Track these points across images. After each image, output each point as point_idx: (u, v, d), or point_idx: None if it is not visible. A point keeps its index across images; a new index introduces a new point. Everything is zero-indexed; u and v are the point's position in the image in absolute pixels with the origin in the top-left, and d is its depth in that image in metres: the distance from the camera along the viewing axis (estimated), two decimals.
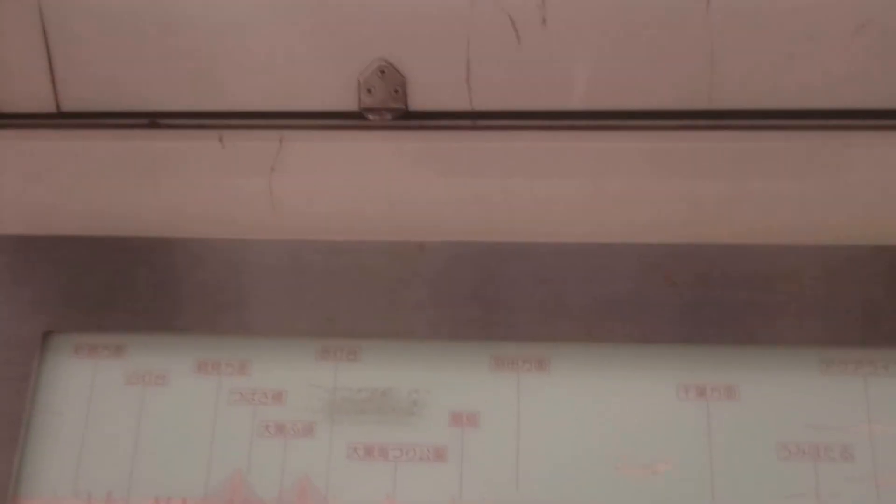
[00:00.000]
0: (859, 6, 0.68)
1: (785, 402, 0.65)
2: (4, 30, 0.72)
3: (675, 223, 0.71)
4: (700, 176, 0.71)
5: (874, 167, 0.70)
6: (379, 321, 0.67)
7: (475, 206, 0.72)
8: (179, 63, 0.72)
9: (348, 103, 0.72)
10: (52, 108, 0.74)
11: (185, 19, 0.71)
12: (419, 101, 0.72)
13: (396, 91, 0.72)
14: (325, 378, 0.66)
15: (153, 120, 0.73)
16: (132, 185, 0.73)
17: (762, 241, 0.68)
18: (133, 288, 0.68)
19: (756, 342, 0.65)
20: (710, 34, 0.69)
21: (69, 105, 0.74)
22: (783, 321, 0.66)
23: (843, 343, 0.65)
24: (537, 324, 0.66)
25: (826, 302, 0.66)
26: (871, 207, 0.70)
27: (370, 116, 0.72)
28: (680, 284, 0.67)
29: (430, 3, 0.70)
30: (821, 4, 0.68)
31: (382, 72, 0.72)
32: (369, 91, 0.72)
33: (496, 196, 0.72)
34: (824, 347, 0.65)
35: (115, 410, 0.66)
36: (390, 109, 0.72)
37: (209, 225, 0.72)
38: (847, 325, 0.65)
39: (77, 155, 0.73)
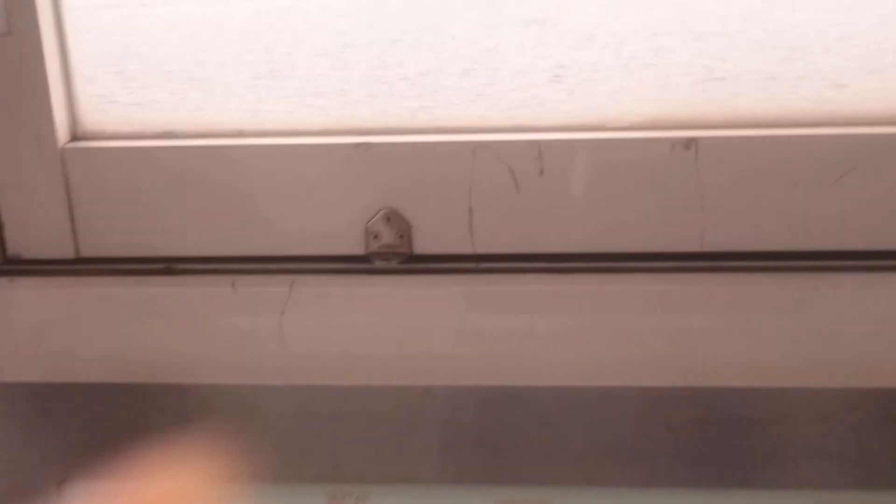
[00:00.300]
0: (841, 155, 0.72)
1: None
2: (27, 178, 0.76)
3: (671, 365, 0.73)
4: (695, 318, 0.74)
5: (862, 309, 0.73)
6: (386, 466, 0.69)
7: (479, 348, 0.75)
8: (194, 210, 0.76)
9: (355, 248, 0.76)
10: (71, 254, 0.77)
11: (200, 170, 0.75)
12: (424, 245, 0.76)
13: (402, 236, 0.75)
14: None
15: (169, 265, 0.76)
16: (147, 331, 0.76)
17: (756, 382, 0.71)
18: (146, 435, 0.70)
19: (752, 485, 0.67)
20: (699, 181, 0.73)
21: (88, 251, 0.77)
22: (778, 464, 0.68)
23: (837, 486, 0.67)
24: (540, 468, 0.68)
25: (820, 445, 0.68)
26: (861, 349, 0.73)
27: (377, 262, 0.75)
28: (678, 429, 0.69)
29: (433, 154, 0.74)
30: (805, 154, 0.72)
31: (388, 219, 0.75)
32: (376, 237, 0.75)
33: (499, 338, 0.75)
34: (819, 490, 0.67)
35: None
36: (396, 254, 0.75)
37: (222, 369, 0.75)
38: (840, 469, 0.67)
39: (94, 301, 0.76)
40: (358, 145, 0.74)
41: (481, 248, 0.75)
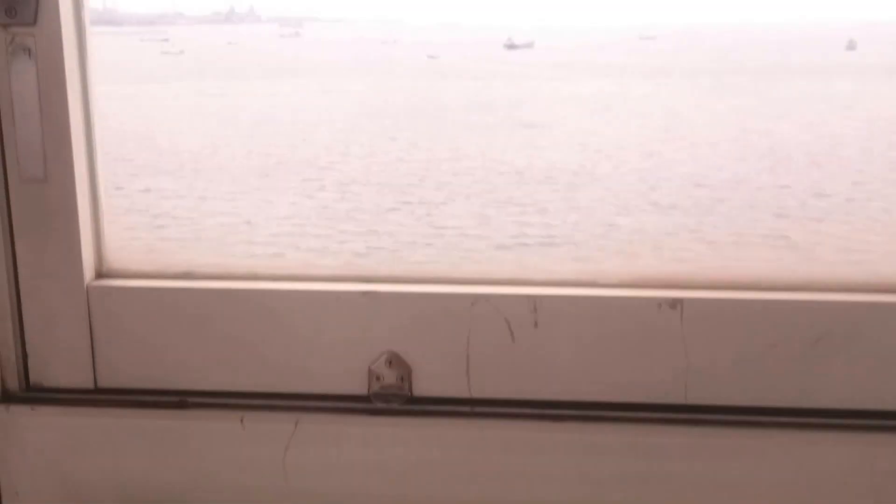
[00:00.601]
0: (818, 321, 0.76)
1: None
2: (53, 312, 0.81)
3: None
4: (678, 468, 0.77)
5: (837, 465, 0.77)
6: None
7: (473, 490, 0.79)
8: (208, 347, 0.80)
9: (358, 388, 0.80)
10: (90, 384, 0.81)
11: (215, 310, 0.80)
12: (423, 387, 0.80)
13: (402, 379, 0.80)
14: None
15: (182, 398, 0.81)
16: (158, 462, 0.80)
17: None
18: None
19: None
20: (684, 338, 0.78)
21: (106, 381, 0.81)
22: None
23: None
24: None
25: None
26: None
27: (378, 402, 0.80)
28: None
29: (434, 304, 0.79)
30: (783, 318, 0.77)
31: (390, 362, 0.80)
32: (378, 378, 0.80)
33: (492, 481, 0.79)
34: None
35: None
36: (397, 395, 0.80)
37: (227, 502, 0.78)
38: None
39: (110, 431, 0.81)
40: (365, 293, 0.79)
41: (477, 393, 0.80)
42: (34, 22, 0.75)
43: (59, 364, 0.82)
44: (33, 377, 0.82)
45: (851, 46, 2.74)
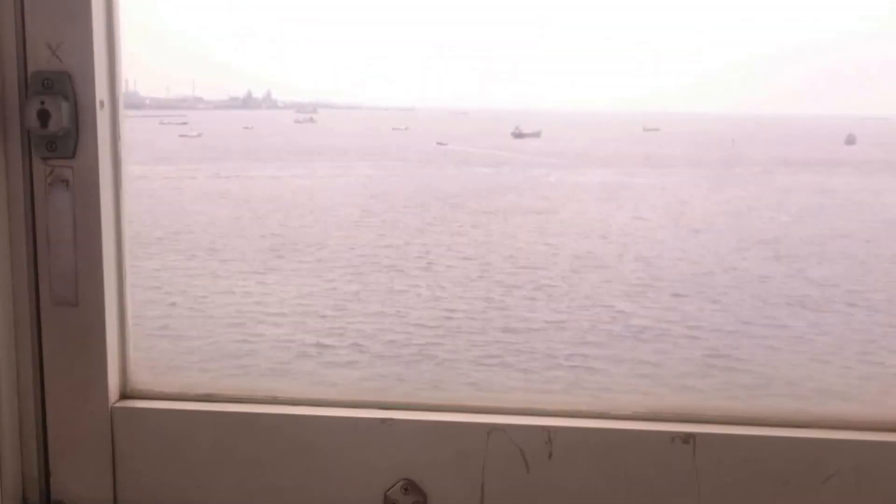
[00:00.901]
0: (829, 458, 0.78)
1: None
2: (78, 431, 0.82)
3: None
4: None
5: None
6: None
7: None
8: (226, 469, 0.82)
9: None
10: (109, 503, 0.82)
11: (235, 433, 0.81)
12: None
13: None
14: None
15: None
16: None
17: None
18: None
19: None
20: (697, 472, 0.79)
21: (125, 500, 0.82)
22: None
23: None
24: None
25: None
26: None
27: None
28: None
29: (451, 432, 0.80)
30: (796, 455, 0.78)
31: (406, 489, 0.81)
32: None
33: None
34: None
35: None
36: None
37: None
38: None
39: None
40: (383, 420, 0.81)
41: None
42: (73, 155, 0.79)
43: (80, 481, 0.83)
44: (54, 494, 0.83)
45: (851, 141, 2.81)
